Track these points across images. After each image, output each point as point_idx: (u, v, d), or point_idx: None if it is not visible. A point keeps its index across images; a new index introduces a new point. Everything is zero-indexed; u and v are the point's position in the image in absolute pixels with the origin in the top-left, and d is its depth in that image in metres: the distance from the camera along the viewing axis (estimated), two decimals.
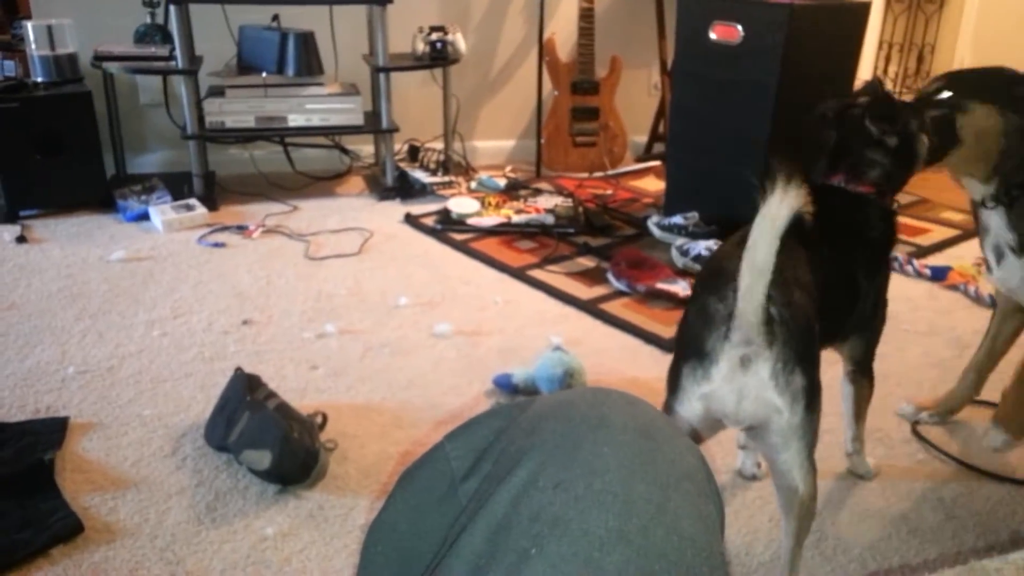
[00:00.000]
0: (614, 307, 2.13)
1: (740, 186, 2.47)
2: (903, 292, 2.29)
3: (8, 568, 1.23)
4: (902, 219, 1.43)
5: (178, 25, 2.59)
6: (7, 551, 1.26)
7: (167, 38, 2.76)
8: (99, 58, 2.66)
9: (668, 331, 1.99)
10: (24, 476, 1.41)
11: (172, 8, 2.58)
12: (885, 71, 4.56)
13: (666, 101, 3.41)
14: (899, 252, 2.50)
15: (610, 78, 3.28)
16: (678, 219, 2.58)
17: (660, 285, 2.17)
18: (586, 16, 3.15)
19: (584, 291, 2.23)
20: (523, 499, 0.53)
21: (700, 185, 2.64)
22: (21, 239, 2.45)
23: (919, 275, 2.38)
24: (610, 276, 2.29)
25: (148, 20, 2.81)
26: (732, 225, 2.62)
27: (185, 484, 1.42)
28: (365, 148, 3.33)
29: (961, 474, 1.51)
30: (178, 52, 2.63)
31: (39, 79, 2.62)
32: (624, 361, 1.88)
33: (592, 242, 2.57)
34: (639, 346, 1.95)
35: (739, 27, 2.38)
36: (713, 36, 2.46)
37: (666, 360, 1.85)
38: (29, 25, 2.62)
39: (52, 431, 1.55)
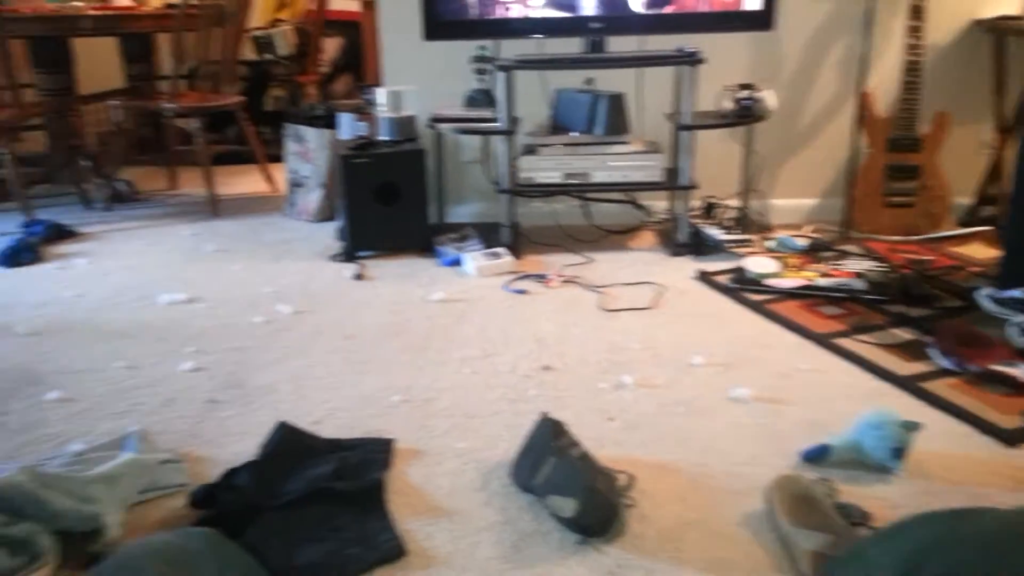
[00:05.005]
0: (938, 387, 1.92)
1: None
2: None
3: None
4: None
5: (504, 90, 2.83)
6: (340, 565, 1.36)
7: (491, 101, 3.02)
8: (435, 120, 2.99)
9: (1007, 420, 1.75)
10: (362, 493, 1.54)
11: (500, 74, 2.82)
12: None
13: (1002, 161, 3.05)
14: None
15: (935, 135, 3.00)
16: (1017, 293, 2.27)
17: (996, 367, 1.92)
18: (913, 70, 2.93)
19: (901, 366, 2.03)
20: None
21: None
22: (358, 276, 2.81)
23: None
24: (934, 351, 2.07)
25: (478, 85, 3.10)
26: None
27: (492, 520, 1.50)
28: (658, 203, 3.37)
29: None
30: (501, 114, 2.86)
31: (383, 137, 3.00)
32: (952, 450, 1.68)
33: (909, 312, 2.35)
34: (970, 434, 1.73)
35: None
36: None
37: (1006, 453, 1.64)
38: (381, 91, 3.01)
39: (380, 451, 1.69)
